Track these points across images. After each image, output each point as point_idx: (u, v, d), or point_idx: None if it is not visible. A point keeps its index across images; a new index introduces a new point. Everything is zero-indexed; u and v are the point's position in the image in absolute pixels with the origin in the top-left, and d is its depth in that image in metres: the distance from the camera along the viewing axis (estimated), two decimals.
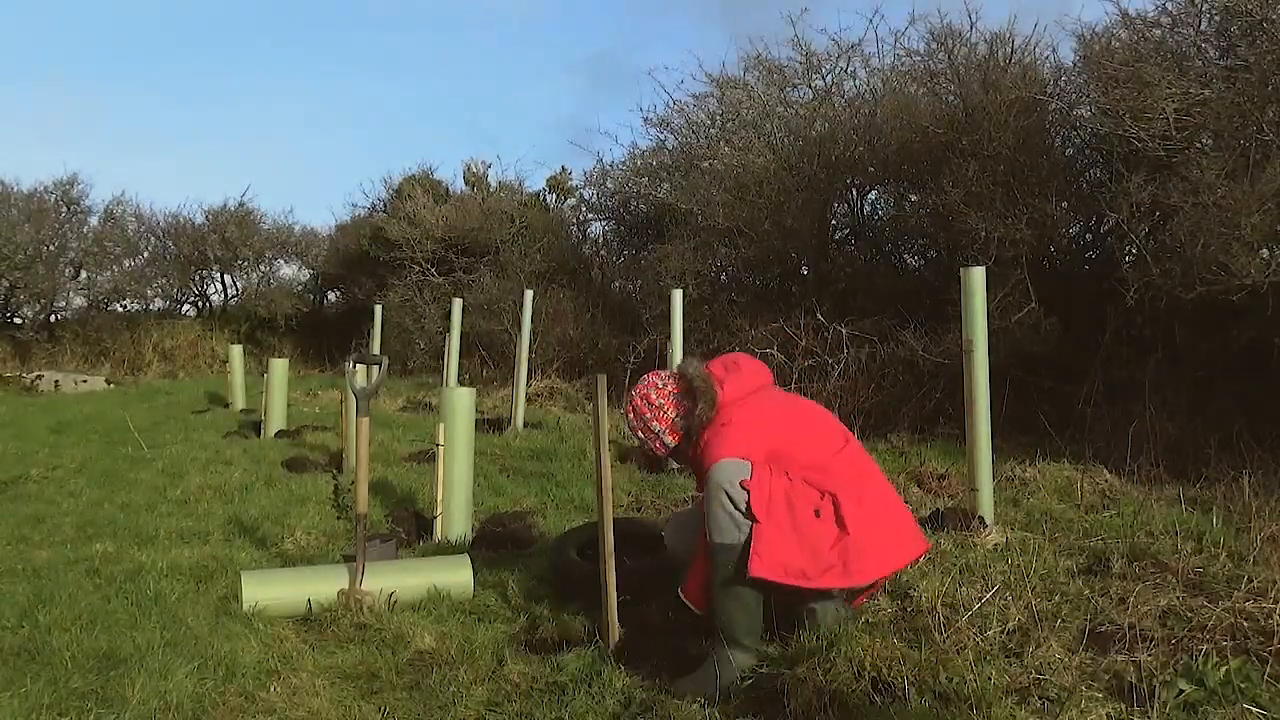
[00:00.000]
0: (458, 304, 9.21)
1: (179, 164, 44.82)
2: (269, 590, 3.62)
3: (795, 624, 2.96)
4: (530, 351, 8.95)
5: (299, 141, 45.96)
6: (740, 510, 2.81)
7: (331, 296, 21.19)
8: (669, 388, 3.17)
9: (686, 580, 3.06)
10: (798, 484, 2.87)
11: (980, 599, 3.23)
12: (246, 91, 46.89)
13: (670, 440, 3.14)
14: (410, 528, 4.78)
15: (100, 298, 18.66)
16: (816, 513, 2.81)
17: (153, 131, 44.25)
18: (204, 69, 45.79)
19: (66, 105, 45.76)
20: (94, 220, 18.45)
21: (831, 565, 2.79)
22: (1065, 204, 8.49)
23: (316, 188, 43.54)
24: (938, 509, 4.72)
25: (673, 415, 3.13)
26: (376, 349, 9.78)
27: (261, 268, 20.38)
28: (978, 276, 4.46)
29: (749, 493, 2.80)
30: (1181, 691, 2.46)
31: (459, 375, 9.40)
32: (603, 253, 15.01)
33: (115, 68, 49.24)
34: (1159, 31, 7.36)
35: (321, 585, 3.66)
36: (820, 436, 3.04)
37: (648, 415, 3.16)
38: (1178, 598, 3.16)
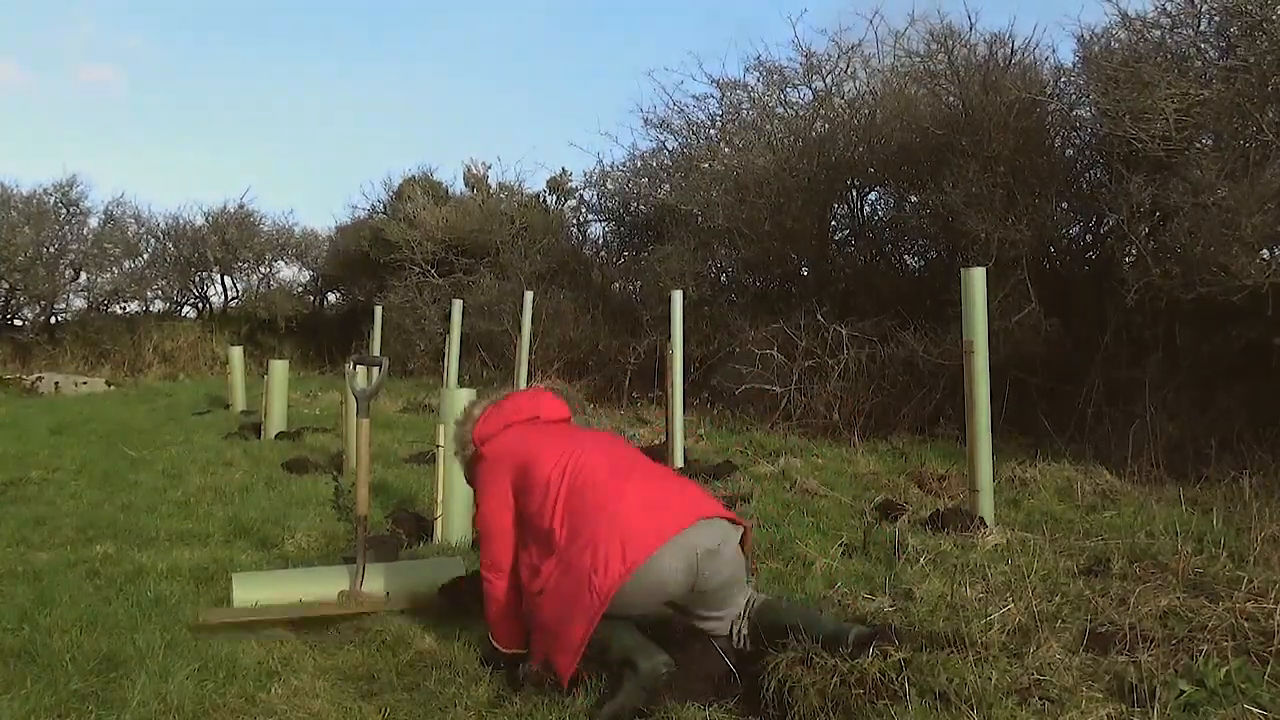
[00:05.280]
0: (458, 305, 9.20)
1: (179, 165, 44.84)
2: (260, 593, 3.61)
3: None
4: (530, 353, 8.95)
5: (299, 142, 45.97)
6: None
7: (332, 298, 21.20)
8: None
9: (492, 630, 3.08)
10: (533, 538, 2.90)
11: (980, 599, 3.23)
12: (247, 92, 46.90)
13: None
14: (411, 530, 4.78)
15: (100, 299, 18.67)
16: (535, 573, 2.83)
17: (153, 132, 44.27)
18: (204, 69, 45.81)
19: (66, 105, 45.79)
20: (94, 222, 18.47)
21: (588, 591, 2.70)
22: (1065, 205, 8.50)
23: (317, 189, 43.47)
24: (938, 509, 4.72)
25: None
26: (376, 350, 9.78)
27: (262, 269, 20.41)
28: (978, 277, 4.47)
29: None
30: (1182, 692, 2.46)
31: (459, 376, 9.40)
32: (603, 254, 15.02)
33: (114, 67, 49.28)
34: (1158, 32, 7.37)
35: (313, 587, 3.65)
36: (565, 454, 2.98)
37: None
38: (1178, 598, 3.16)
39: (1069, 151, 8.71)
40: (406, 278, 15.44)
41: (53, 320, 18.37)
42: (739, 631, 2.90)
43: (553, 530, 2.84)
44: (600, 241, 15.44)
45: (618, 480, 2.88)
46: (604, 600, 2.67)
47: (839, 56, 10.88)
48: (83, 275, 18.23)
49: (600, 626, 2.71)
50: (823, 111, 10.65)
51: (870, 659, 2.62)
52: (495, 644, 3.04)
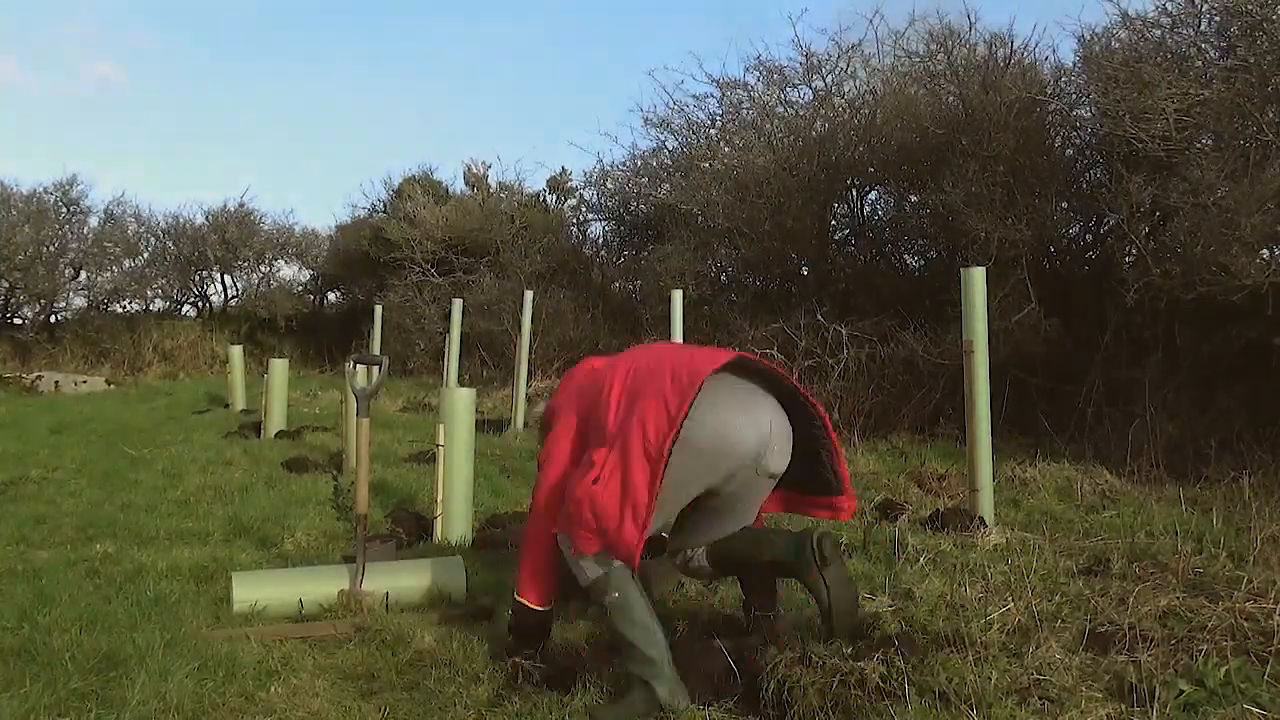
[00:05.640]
0: (458, 304, 9.22)
1: (179, 165, 44.85)
2: (259, 593, 3.62)
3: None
4: (530, 352, 8.96)
5: (299, 141, 45.98)
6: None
7: (332, 297, 21.22)
8: None
9: (519, 581, 2.99)
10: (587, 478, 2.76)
11: (980, 599, 3.23)
12: (247, 91, 46.91)
13: None
14: (410, 529, 4.79)
15: (100, 298, 18.69)
16: (595, 480, 2.70)
17: (152, 132, 44.28)
18: (204, 69, 45.82)
19: (66, 104, 45.80)
20: (94, 221, 18.50)
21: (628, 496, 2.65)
22: (1065, 204, 8.50)
23: (317, 188, 43.50)
24: (938, 509, 4.72)
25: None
26: (377, 349, 9.80)
27: (262, 268, 20.42)
28: (978, 277, 4.46)
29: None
30: (1181, 692, 2.46)
31: (459, 376, 9.40)
32: (603, 253, 15.03)
33: (115, 66, 49.30)
34: (1159, 32, 7.37)
35: (313, 586, 3.65)
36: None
37: None
38: (1178, 598, 3.16)
39: (1069, 151, 8.71)
40: (406, 277, 15.45)
41: (53, 319, 18.39)
42: (695, 558, 2.94)
43: (609, 415, 2.79)
44: (600, 241, 15.47)
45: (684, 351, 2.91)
46: (661, 445, 2.62)
47: (839, 56, 10.88)
48: (83, 274, 18.27)
49: (635, 609, 2.68)
50: (823, 111, 10.65)
51: (871, 660, 2.62)
52: (522, 601, 2.94)
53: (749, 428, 2.77)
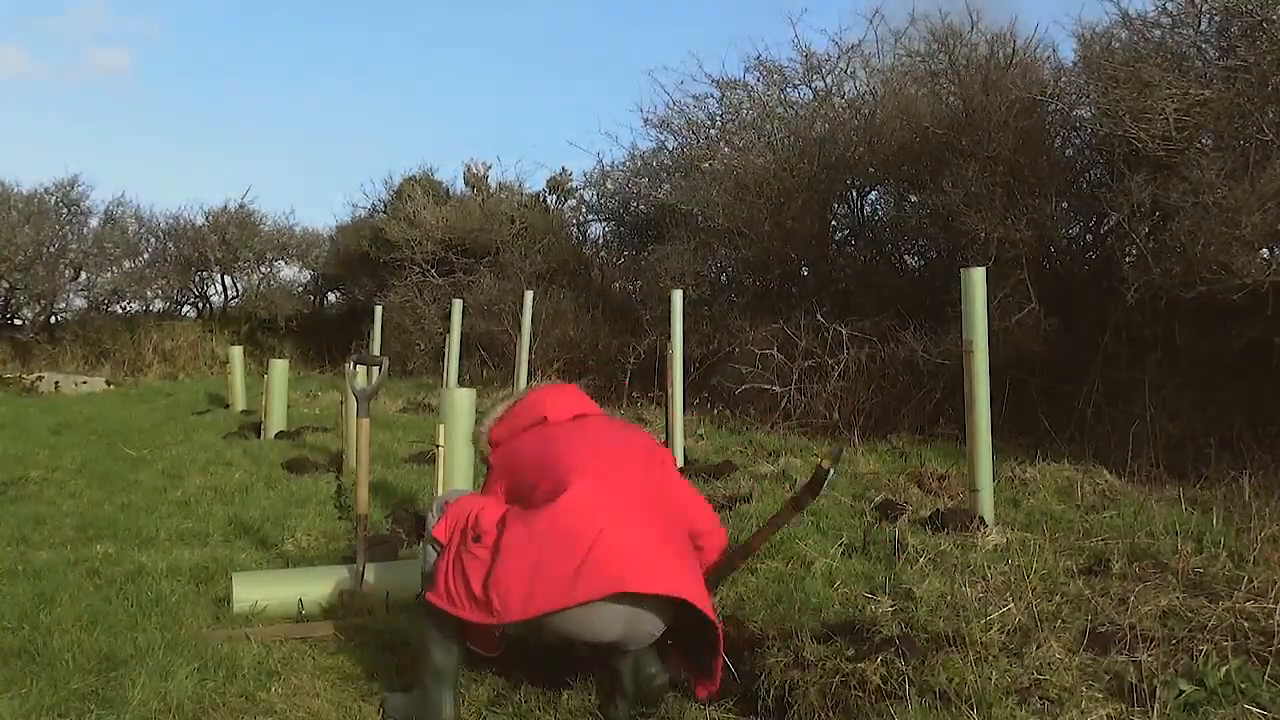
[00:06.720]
0: (458, 305, 9.20)
1: (179, 165, 44.84)
2: (260, 593, 3.62)
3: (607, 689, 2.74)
4: (530, 352, 8.94)
5: (300, 141, 45.96)
6: (431, 534, 2.74)
7: (332, 297, 21.19)
8: None
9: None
10: (489, 508, 2.68)
11: (980, 599, 3.23)
12: (247, 91, 46.88)
13: None
14: (411, 529, 4.79)
15: (100, 299, 18.66)
16: (476, 538, 2.57)
17: (153, 132, 44.26)
18: (204, 69, 45.81)
19: (67, 106, 45.79)
20: (94, 221, 18.42)
21: (476, 596, 2.52)
22: (1065, 204, 8.50)
23: (317, 188, 43.44)
24: (938, 509, 4.72)
25: None
26: (377, 350, 9.79)
27: (262, 269, 20.37)
28: (978, 277, 4.46)
29: (441, 517, 2.72)
30: (1182, 692, 2.46)
31: (459, 376, 9.39)
32: (603, 253, 15.03)
33: (119, 58, 49.26)
34: (1159, 32, 7.37)
35: (313, 586, 3.66)
36: (569, 471, 2.69)
37: None
38: (1178, 598, 3.16)
39: (1069, 151, 8.70)
40: (406, 277, 15.44)
41: (53, 320, 18.36)
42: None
43: (508, 516, 2.64)
44: (600, 241, 15.46)
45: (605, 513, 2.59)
46: (491, 615, 2.51)
47: (839, 56, 10.89)
48: (83, 275, 18.23)
49: (444, 628, 2.64)
50: (823, 111, 10.65)
51: (871, 661, 2.62)
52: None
53: (605, 633, 2.58)
